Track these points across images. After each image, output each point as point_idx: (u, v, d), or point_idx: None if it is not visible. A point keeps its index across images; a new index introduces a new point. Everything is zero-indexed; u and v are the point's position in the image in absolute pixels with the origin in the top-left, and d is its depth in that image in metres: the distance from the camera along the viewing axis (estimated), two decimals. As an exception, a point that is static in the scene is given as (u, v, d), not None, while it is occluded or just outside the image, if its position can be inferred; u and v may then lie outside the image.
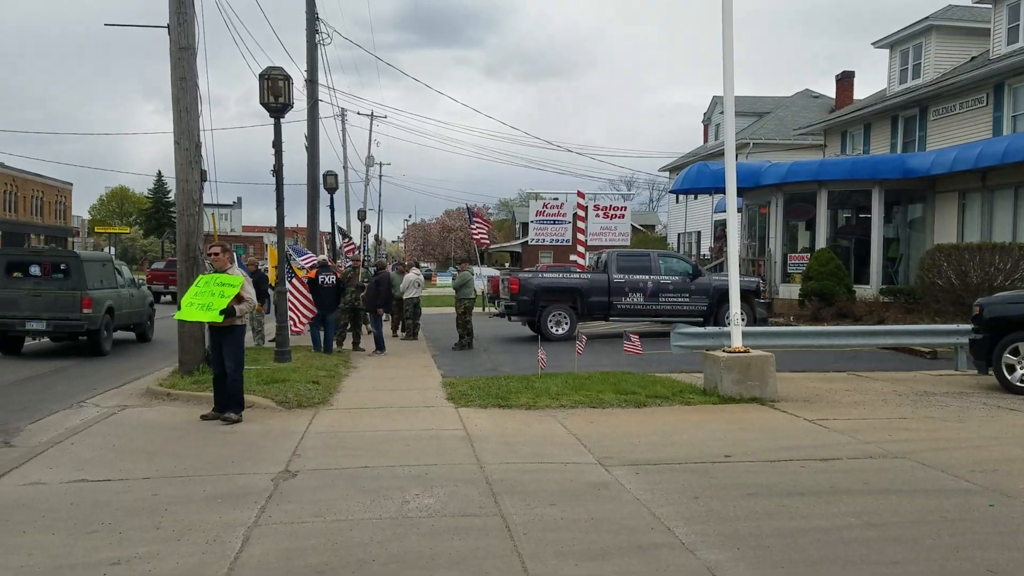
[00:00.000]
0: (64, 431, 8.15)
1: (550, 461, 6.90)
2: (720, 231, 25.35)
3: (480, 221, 25.41)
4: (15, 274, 15.00)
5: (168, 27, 11.12)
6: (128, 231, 79.33)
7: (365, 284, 16.15)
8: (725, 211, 10.89)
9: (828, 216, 21.49)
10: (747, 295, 16.17)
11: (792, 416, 8.94)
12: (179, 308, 8.96)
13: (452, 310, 17.09)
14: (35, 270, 15.08)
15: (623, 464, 6.75)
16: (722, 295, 17.39)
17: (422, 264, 52.99)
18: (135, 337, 17.48)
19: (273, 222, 14.52)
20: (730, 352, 10.02)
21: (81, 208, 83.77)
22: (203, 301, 8.40)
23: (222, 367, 8.65)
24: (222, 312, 8.33)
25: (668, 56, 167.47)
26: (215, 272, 8.81)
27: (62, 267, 15.06)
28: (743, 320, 10.61)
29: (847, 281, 19.04)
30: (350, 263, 19.41)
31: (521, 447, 7.45)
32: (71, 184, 74.46)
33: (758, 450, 7.34)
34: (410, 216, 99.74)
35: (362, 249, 39.09)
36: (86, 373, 12.80)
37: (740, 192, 11.42)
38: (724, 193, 10.60)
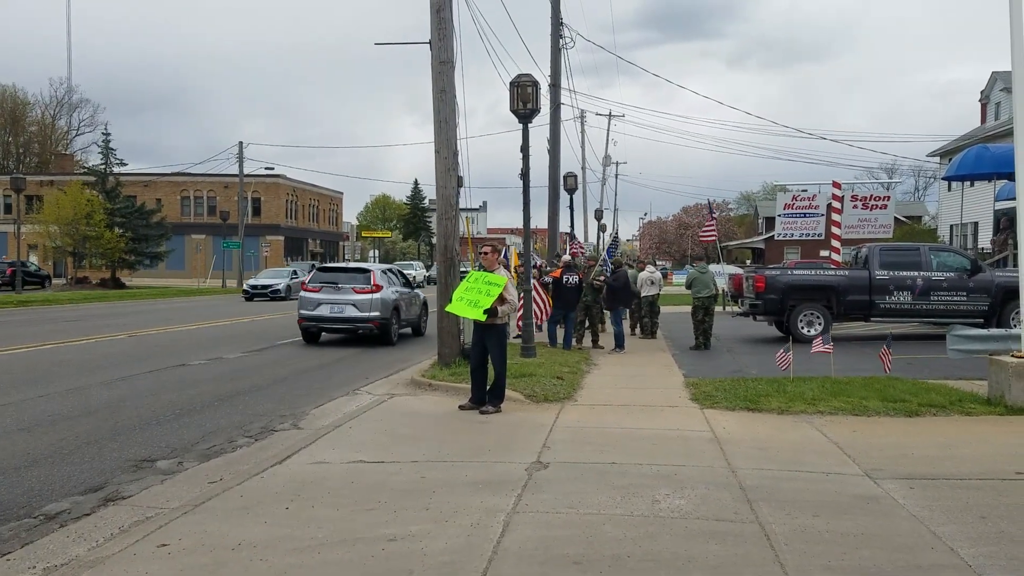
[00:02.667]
0: (342, 415, 9.05)
1: (809, 470, 6.51)
2: (1004, 222, 22.45)
3: (710, 222, 25.81)
4: None
5: (430, 43, 11.96)
6: (389, 235, 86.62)
7: (596, 283, 16.33)
8: (1009, 199, 9.62)
9: None
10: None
11: (1102, 433, 7.73)
12: (449, 300, 9.58)
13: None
14: None
15: (895, 477, 6.20)
16: (1007, 293, 15.51)
17: (658, 262, 52.42)
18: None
19: (515, 224, 15.20)
20: (1020, 357, 8.85)
21: (350, 215, 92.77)
22: (471, 298, 8.90)
23: (480, 360, 9.10)
24: (485, 311, 8.78)
25: (935, 31, 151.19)
26: (484, 271, 9.29)
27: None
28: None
29: None
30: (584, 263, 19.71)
31: (775, 453, 7.11)
32: (342, 193, 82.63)
33: (1059, 469, 6.42)
34: (646, 214, 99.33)
35: (602, 248, 39.62)
36: (361, 362, 14.19)
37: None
38: (1009, 179, 9.36)
